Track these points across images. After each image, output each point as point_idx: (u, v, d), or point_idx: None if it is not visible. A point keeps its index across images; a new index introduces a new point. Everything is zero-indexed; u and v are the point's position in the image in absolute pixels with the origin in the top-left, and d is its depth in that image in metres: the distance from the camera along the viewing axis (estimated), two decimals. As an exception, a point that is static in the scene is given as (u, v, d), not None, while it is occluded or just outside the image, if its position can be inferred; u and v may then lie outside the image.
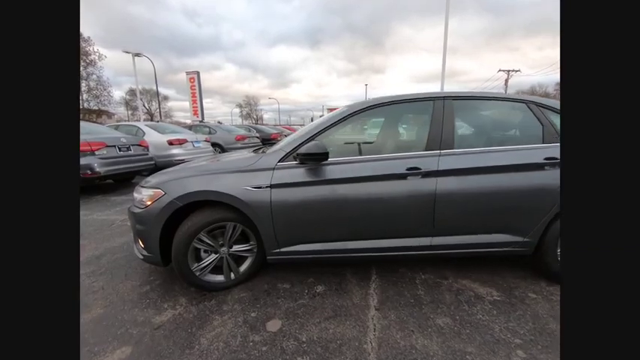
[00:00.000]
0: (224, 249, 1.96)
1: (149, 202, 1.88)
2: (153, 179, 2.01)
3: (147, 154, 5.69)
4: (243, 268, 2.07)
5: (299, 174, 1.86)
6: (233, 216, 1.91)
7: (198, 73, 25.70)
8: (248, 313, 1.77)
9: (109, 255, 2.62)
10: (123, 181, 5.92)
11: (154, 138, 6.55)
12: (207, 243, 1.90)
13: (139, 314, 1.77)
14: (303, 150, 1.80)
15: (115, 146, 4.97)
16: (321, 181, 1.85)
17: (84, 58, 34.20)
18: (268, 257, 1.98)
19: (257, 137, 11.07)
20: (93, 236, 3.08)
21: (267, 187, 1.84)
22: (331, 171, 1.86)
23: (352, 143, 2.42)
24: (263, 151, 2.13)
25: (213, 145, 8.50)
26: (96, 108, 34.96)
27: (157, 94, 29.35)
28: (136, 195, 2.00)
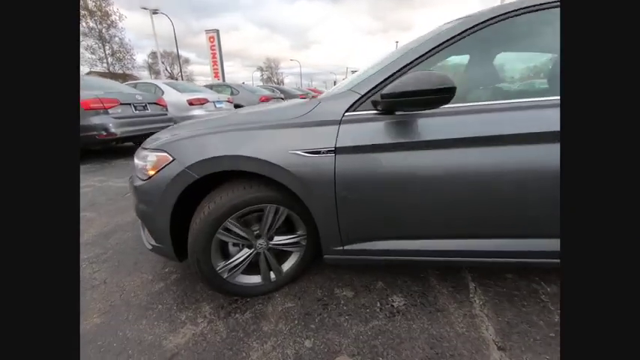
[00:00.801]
0: (261, 241, 1.35)
1: (152, 172, 1.26)
2: (159, 137, 1.38)
3: (166, 114, 5.14)
4: (287, 266, 1.47)
5: (383, 130, 1.13)
6: (275, 195, 1.25)
7: (217, 31, 24.34)
8: (300, 341, 1.19)
9: (119, 233, 2.14)
10: (143, 145, 5.50)
11: (172, 97, 5.96)
12: (238, 234, 1.29)
13: (147, 330, 1.25)
14: (393, 89, 1.03)
15: (130, 104, 4.43)
16: (426, 144, 1.10)
17: (105, 19, 33.63)
18: (326, 256, 1.35)
19: (282, 99, 10.22)
20: (104, 207, 2.62)
21: (329, 151, 1.13)
22: (444, 125, 1.10)
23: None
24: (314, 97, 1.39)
25: (236, 106, 7.83)
26: (120, 72, 35.08)
27: (178, 55, 28.52)
28: (135, 160, 1.38)
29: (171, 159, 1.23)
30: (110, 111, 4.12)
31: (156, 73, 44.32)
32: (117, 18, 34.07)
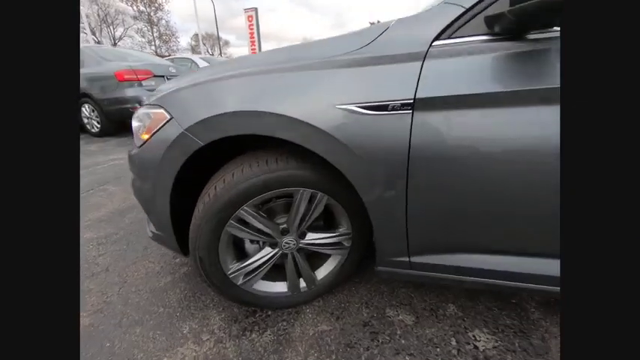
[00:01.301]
0: (289, 239, 0.96)
1: (146, 136, 0.92)
2: (162, 88, 1.02)
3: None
4: (322, 274, 1.08)
5: (505, 68, 0.64)
6: (311, 175, 0.84)
7: (256, 9, 23.96)
8: (340, 393, 0.80)
9: (136, 211, 1.92)
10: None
11: (208, 72, 5.77)
12: (257, 228, 0.91)
13: (140, 344, 0.96)
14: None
15: (163, 77, 4.28)
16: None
17: (153, 2, 35.09)
18: (380, 268, 0.92)
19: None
20: (126, 183, 2.45)
21: (403, 105, 0.68)
22: None
23: None
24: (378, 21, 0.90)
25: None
26: (167, 54, 36.81)
27: (218, 36, 28.89)
28: (133, 122, 1.05)
29: (167, 117, 0.86)
30: (144, 83, 4.00)
31: (198, 54, 45.91)
32: (163, 1, 35.40)
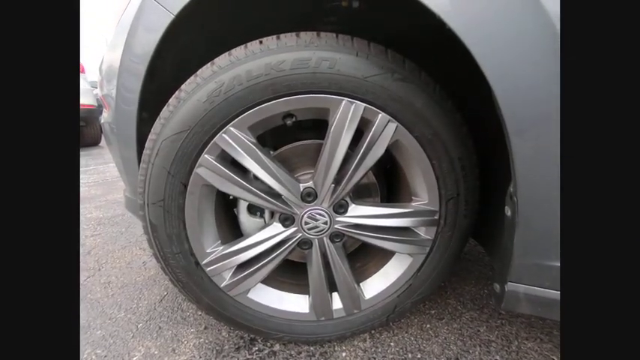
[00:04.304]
0: (318, 211, 0.51)
1: (115, 25, 0.60)
2: None
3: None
4: (374, 288, 0.58)
5: None
6: (367, 69, 0.40)
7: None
8: None
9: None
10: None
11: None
12: (256, 179, 0.48)
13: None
14: None
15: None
16: None
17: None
18: (514, 285, 0.40)
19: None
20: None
21: None
22: None
23: None
24: None
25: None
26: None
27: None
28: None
29: (132, -11, 0.53)
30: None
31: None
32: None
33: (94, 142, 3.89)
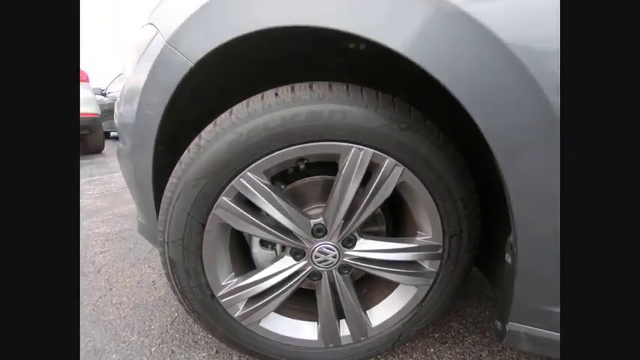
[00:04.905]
0: (328, 245, 0.53)
1: (132, 65, 0.63)
2: None
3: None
4: (380, 316, 0.61)
5: None
6: (376, 119, 0.43)
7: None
8: None
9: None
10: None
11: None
12: (269, 217, 0.51)
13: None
14: None
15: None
16: None
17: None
18: (515, 326, 0.43)
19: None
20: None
21: None
22: None
23: None
24: None
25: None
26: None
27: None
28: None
29: (154, 32, 0.56)
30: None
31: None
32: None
33: (98, 150, 3.92)
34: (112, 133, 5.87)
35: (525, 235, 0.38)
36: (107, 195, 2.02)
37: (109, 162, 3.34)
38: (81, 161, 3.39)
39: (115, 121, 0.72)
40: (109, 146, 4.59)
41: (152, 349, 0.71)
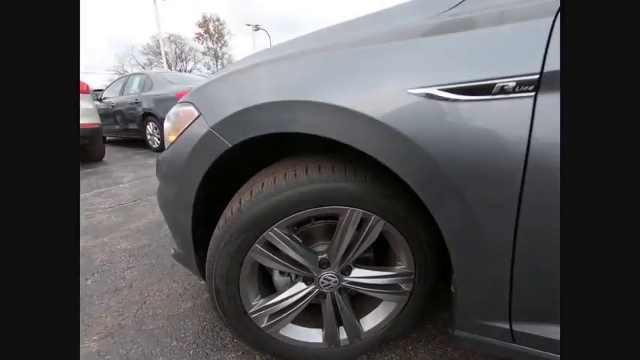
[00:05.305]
0: (330, 274, 0.73)
1: (172, 137, 0.81)
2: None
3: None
4: (369, 324, 0.81)
5: None
6: (364, 190, 0.62)
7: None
8: None
9: (173, 223, 1.87)
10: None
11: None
12: (288, 256, 0.70)
13: (141, 387, 0.78)
14: None
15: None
16: None
17: (220, 39, 39.99)
18: (459, 333, 0.63)
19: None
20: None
21: (521, 85, 0.43)
22: None
23: None
24: None
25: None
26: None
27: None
28: (164, 123, 0.96)
29: (196, 114, 0.74)
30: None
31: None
32: (228, 38, 40.03)
33: (99, 158, 4.03)
34: (108, 137, 5.92)
35: (463, 276, 0.57)
36: (119, 209, 2.16)
37: (112, 171, 3.45)
38: (84, 170, 3.49)
39: (159, 170, 0.89)
40: (109, 152, 4.68)
41: (190, 352, 0.89)
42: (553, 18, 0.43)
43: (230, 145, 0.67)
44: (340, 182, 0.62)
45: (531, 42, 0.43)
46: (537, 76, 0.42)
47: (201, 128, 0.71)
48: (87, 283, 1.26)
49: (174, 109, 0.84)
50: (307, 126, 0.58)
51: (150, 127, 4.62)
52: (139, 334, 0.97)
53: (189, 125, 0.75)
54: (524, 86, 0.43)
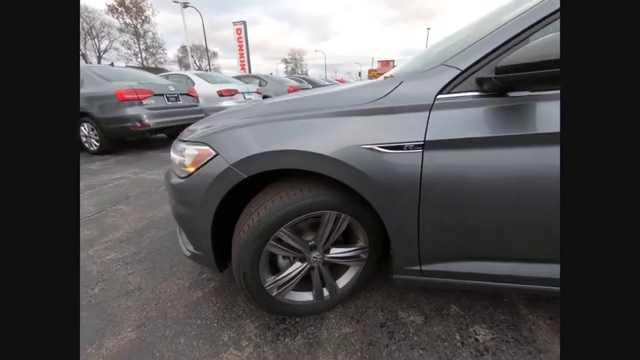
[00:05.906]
0: (316, 254, 1.12)
1: (191, 169, 1.07)
2: (198, 128, 1.18)
3: (197, 105, 5.08)
4: (342, 283, 1.24)
5: (492, 118, 0.84)
6: (338, 200, 1.01)
7: (244, 23, 24.43)
8: (369, 383, 0.95)
9: (153, 230, 2.02)
10: (175, 136, 5.51)
11: (203, 88, 5.90)
12: (290, 245, 1.07)
13: (187, 352, 1.08)
14: (515, 59, 0.73)
15: (163, 95, 4.39)
16: (549, 137, 0.81)
17: (139, 15, 34.98)
18: (397, 277, 1.09)
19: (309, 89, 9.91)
20: (138, 201, 2.55)
21: (416, 146, 0.86)
22: None
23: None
24: (391, 76, 1.11)
25: (264, 97, 7.68)
26: (153, 66, 36.57)
27: (206, 47, 29.05)
28: (172, 154, 1.20)
29: (214, 153, 1.02)
30: (144, 102, 4.10)
31: (186, 66, 45.82)
32: (150, 13, 35.30)
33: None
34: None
35: (394, 244, 1.02)
36: (88, 222, 2.18)
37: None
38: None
39: (176, 193, 1.14)
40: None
41: (215, 324, 1.20)
42: (428, 112, 0.86)
43: (245, 177, 0.99)
44: (322, 196, 1.00)
45: (419, 124, 0.86)
46: (422, 142, 0.85)
47: (221, 165, 1.00)
48: (95, 291, 1.42)
49: (189, 147, 1.09)
50: (308, 165, 0.94)
51: (85, 129, 4.24)
52: (166, 320, 1.23)
53: (207, 162, 1.03)
54: (417, 147, 0.86)
